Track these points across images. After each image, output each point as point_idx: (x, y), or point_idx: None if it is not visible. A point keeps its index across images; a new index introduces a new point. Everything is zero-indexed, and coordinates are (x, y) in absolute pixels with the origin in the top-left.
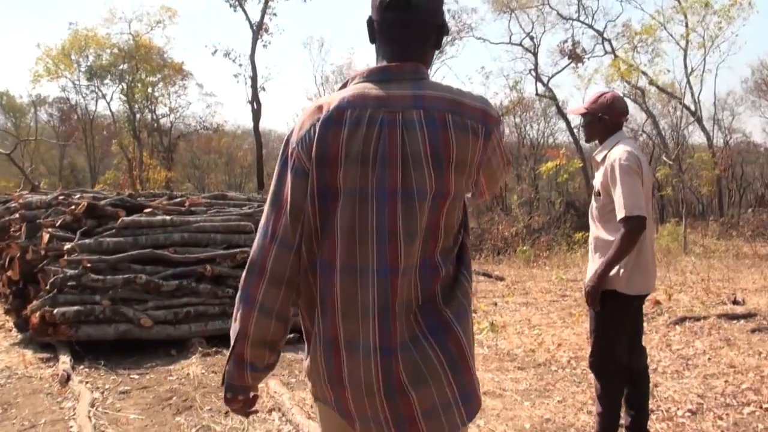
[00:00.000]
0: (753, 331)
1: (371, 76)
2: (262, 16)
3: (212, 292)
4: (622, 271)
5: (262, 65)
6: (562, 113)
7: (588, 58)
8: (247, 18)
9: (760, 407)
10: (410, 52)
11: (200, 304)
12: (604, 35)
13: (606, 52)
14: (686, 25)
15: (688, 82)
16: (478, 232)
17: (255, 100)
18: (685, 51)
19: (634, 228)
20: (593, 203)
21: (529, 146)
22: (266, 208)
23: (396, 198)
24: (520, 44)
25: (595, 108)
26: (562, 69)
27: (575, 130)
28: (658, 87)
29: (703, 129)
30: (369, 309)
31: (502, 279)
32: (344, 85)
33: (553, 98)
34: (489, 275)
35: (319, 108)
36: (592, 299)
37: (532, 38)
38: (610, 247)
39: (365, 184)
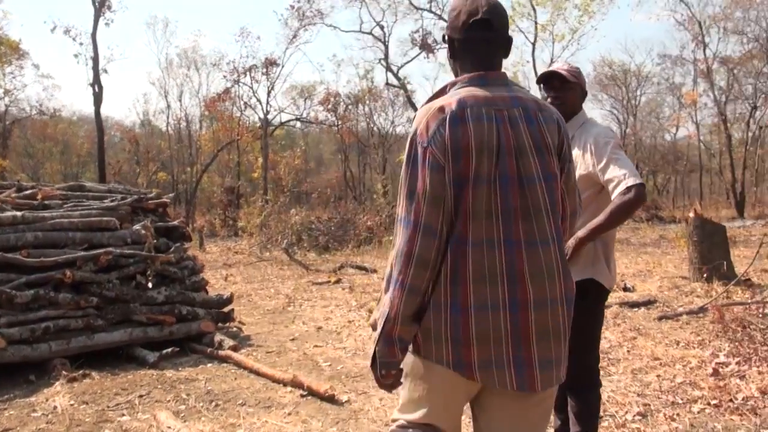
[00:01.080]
0: (660, 318)
1: (472, 81)
2: None
3: (74, 302)
4: (604, 263)
5: (104, 45)
6: (411, 103)
7: (438, 49)
8: None
9: (709, 404)
10: (494, 62)
11: (60, 317)
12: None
13: None
14: (535, 21)
15: (536, 74)
16: (339, 222)
17: (96, 83)
18: (534, 45)
19: (641, 194)
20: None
21: (378, 135)
22: (403, 202)
23: (514, 182)
24: (371, 33)
25: (582, 81)
26: (412, 59)
27: None
28: None
29: None
30: (497, 275)
31: (374, 271)
32: (442, 91)
33: (403, 88)
34: (363, 268)
35: (441, 109)
36: (577, 248)
37: (382, 27)
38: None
39: (491, 171)
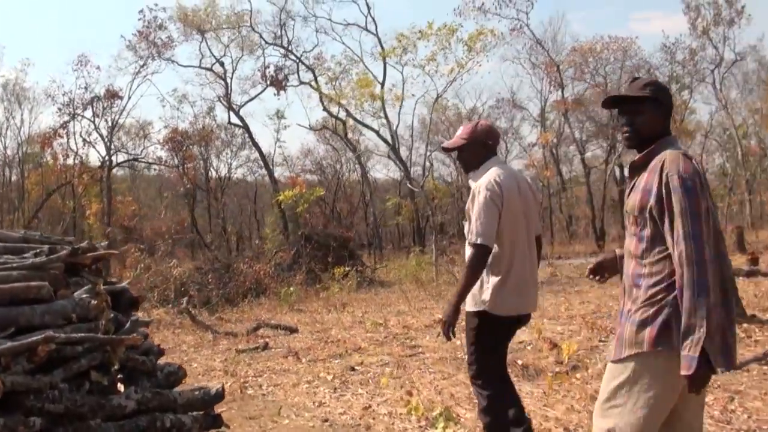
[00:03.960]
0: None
1: (678, 140)
2: None
3: (6, 430)
4: (488, 292)
5: None
6: (254, 143)
7: (286, 87)
8: None
9: None
10: None
11: None
12: (303, 63)
13: (301, 82)
14: (384, 65)
15: (385, 115)
16: (215, 273)
17: None
18: (382, 85)
19: (477, 254)
20: (465, 227)
21: (216, 178)
22: (687, 221)
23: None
24: (211, 69)
25: (477, 136)
26: (254, 97)
27: (269, 161)
28: (354, 119)
29: (400, 160)
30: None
31: (296, 330)
32: (659, 146)
33: (245, 127)
34: (286, 327)
35: (686, 155)
36: (447, 330)
37: (222, 64)
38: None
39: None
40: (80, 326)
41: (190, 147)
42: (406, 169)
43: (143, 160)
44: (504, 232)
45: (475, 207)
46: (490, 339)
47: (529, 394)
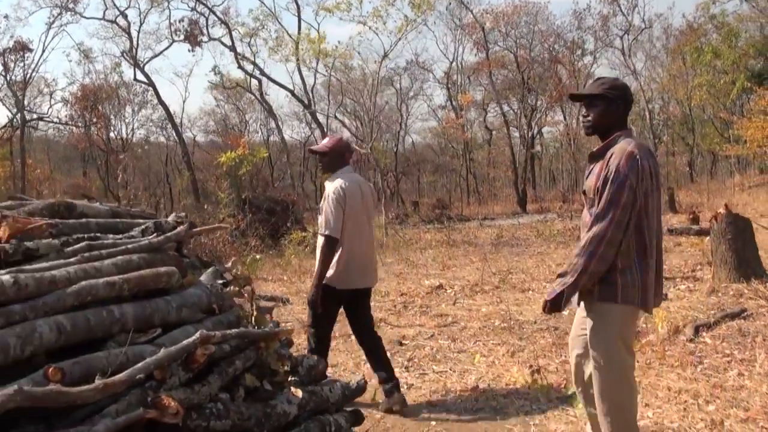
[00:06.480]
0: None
1: (630, 134)
2: None
3: None
4: (332, 270)
5: None
6: (161, 101)
7: (204, 42)
8: None
9: None
10: None
11: None
12: (217, 15)
13: (211, 38)
14: (299, 21)
15: (300, 74)
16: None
17: None
18: (297, 43)
19: (327, 244)
20: (319, 219)
21: (119, 140)
22: (605, 205)
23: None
24: (114, 21)
25: (336, 148)
26: (161, 52)
27: (175, 117)
28: (269, 78)
29: (316, 120)
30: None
31: (287, 301)
32: (613, 139)
33: (152, 84)
34: (280, 298)
35: (632, 152)
36: (316, 306)
37: (125, 16)
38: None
39: (654, 188)
40: (221, 319)
41: (98, 105)
42: (321, 129)
43: (48, 119)
44: (347, 225)
45: (326, 206)
46: (327, 305)
47: None
